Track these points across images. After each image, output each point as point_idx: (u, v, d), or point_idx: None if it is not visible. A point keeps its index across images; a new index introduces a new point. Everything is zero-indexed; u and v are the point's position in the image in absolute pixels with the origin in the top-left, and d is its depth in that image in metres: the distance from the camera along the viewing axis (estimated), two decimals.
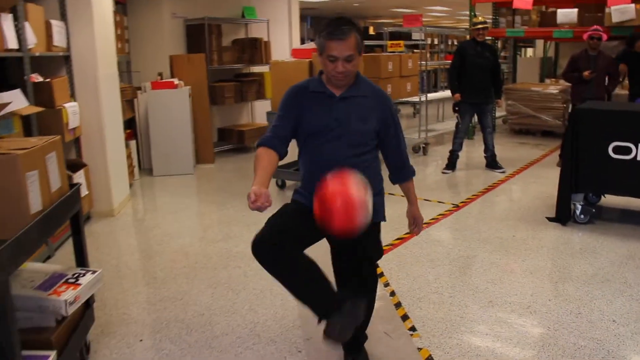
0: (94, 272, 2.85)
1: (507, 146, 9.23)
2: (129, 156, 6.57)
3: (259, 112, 9.55)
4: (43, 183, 2.41)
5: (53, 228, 2.52)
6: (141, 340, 3.22)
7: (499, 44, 11.80)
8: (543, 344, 3.11)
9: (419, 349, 3.07)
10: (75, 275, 2.78)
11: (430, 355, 3.00)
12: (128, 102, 6.85)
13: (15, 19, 3.98)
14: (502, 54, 14.57)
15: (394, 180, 2.81)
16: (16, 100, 3.71)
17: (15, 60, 4.30)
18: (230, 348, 3.11)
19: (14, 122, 3.98)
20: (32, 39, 4.21)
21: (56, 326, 2.62)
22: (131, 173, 6.68)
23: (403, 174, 2.76)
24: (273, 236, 2.42)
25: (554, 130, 9.92)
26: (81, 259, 2.98)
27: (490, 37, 10.00)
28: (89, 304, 3.00)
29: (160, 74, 7.75)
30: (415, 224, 2.87)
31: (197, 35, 8.15)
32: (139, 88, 7.41)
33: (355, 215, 2.23)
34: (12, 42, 3.91)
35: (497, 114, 10.73)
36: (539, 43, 13.81)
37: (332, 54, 2.45)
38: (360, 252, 2.59)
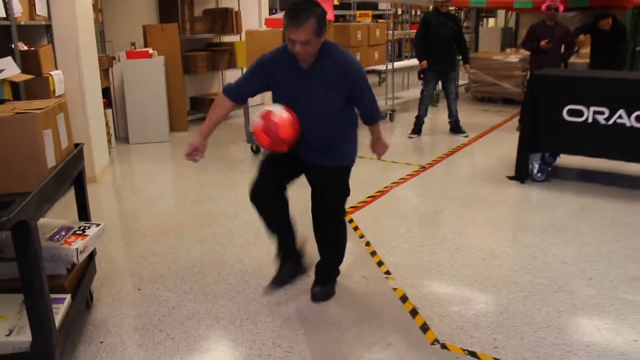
0: (97, 224, 3.10)
1: (470, 112, 9.62)
2: (106, 124, 6.70)
3: (230, 80, 9.68)
4: (55, 141, 2.63)
5: (65, 182, 2.74)
6: (139, 289, 3.49)
7: (462, 14, 12.13)
8: (504, 282, 3.49)
9: (394, 289, 3.42)
10: (81, 228, 3.01)
11: (404, 294, 3.35)
12: (104, 72, 6.95)
13: None
14: (465, 24, 14.93)
15: (364, 123, 3.23)
16: (8, 68, 3.87)
17: None
18: (222, 294, 3.40)
19: (4, 88, 4.13)
20: (18, 7, 4.34)
21: (67, 274, 2.87)
22: (109, 141, 6.82)
23: (369, 120, 3.20)
24: (266, 183, 3.08)
25: (514, 98, 10.32)
26: (84, 214, 3.22)
27: (453, 7, 10.32)
28: (91, 255, 3.24)
29: (133, 44, 7.85)
30: (378, 149, 3.33)
31: (170, 5, 8.24)
32: (114, 58, 7.50)
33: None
34: (0, 11, 4.04)
35: (460, 82, 11.11)
36: (501, 14, 14.21)
37: (289, 37, 2.79)
38: (325, 191, 3.16)
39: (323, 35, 2.84)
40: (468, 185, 5.51)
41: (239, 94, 3.07)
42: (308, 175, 3.18)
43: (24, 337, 2.36)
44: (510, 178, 5.61)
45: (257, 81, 3.04)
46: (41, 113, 2.43)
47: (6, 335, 2.38)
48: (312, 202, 3.22)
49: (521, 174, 5.53)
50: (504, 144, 7.08)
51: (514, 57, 10.44)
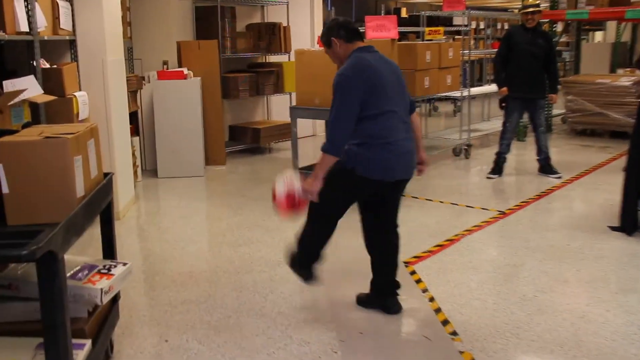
0: (124, 264, 3.40)
1: (566, 149, 9.70)
2: (132, 155, 7.15)
3: (276, 107, 10.13)
4: (85, 169, 2.96)
5: (94, 214, 3.07)
6: (166, 341, 3.76)
7: (559, 27, 11.95)
8: (598, 352, 3.58)
9: (460, 352, 3.58)
10: (106, 267, 3.32)
11: (473, 357, 3.51)
12: (131, 94, 7.44)
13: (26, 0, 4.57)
14: (564, 39, 14.78)
15: None
16: (31, 88, 4.28)
17: (13, 43, 4.84)
18: (262, 349, 3.64)
19: (24, 110, 4.54)
20: (42, 21, 4.81)
21: (88, 317, 3.17)
22: (134, 173, 7.26)
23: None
24: None
25: (625, 131, 10.17)
26: (110, 251, 3.54)
27: (546, 21, 10.43)
28: (115, 299, 3.55)
29: (165, 63, 8.35)
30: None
31: (208, 19, 8.75)
32: (143, 78, 8.00)
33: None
34: (24, 25, 4.49)
35: (555, 111, 11.16)
36: (611, 25, 13.97)
37: None
38: None
39: (335, 45, 3.86)
40: (558, 235, 5.62)
41: None
42: None
43: None
44: (613, 229, 5.68)
45: None
46: (72, 138, 2.76)
47: None
48: None
49: (627, 224, 5.57)
50: (608, 188, 7.12)
51: (625, 79, 10.24)
